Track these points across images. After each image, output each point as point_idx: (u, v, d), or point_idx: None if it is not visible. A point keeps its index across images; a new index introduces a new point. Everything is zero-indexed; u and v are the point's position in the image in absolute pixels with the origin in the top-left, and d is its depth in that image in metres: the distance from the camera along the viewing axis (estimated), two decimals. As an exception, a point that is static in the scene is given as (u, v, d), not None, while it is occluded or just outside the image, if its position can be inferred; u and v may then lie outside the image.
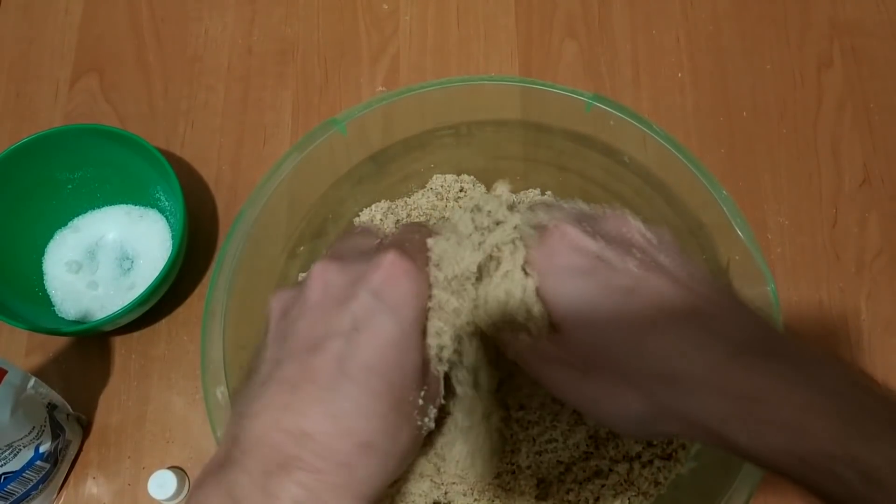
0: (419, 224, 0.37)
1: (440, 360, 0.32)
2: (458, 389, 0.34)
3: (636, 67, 0.59)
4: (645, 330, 0.29)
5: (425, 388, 0.30)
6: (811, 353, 0.28)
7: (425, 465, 0.41)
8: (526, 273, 0.32)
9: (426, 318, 0.31)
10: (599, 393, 0.31)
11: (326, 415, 0.27)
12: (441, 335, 0.32)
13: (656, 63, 0.59)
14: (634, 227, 0.32)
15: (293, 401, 0.27)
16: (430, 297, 0.32)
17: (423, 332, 0.31)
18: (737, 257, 0.41)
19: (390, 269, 0.30)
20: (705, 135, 0.57)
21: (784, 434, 0.26)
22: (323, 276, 0.30)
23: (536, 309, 0.32)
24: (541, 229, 0.32)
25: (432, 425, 0.31)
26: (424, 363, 0.31)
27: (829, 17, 0.61)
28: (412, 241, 0.33)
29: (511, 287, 0.32)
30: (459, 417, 0.37)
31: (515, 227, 0.33)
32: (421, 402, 0.30)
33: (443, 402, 0.33)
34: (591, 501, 0.42)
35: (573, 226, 0.31)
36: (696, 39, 0.60)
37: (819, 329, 0.52)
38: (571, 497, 0.42)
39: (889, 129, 0.57)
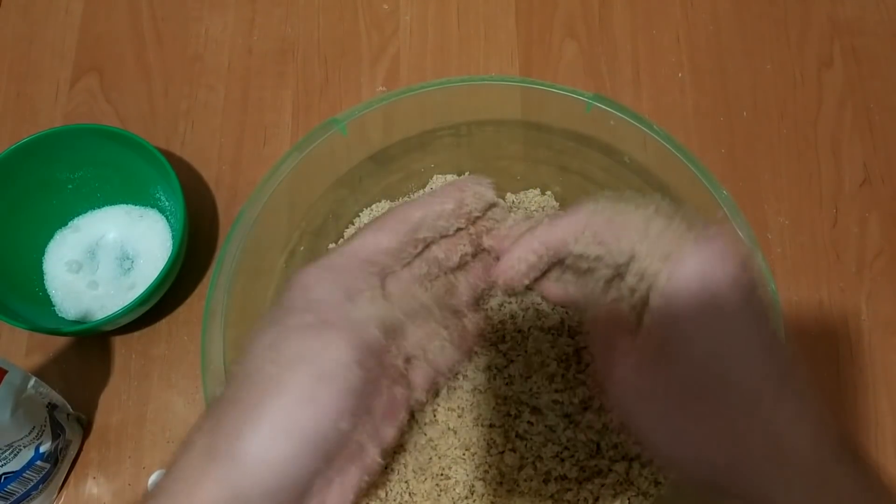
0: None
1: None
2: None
3: (636, 67, 0.59)
4: (778, 384, 0.27)
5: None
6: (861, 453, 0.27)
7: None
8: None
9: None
10: (676, 416, 0.29)
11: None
12: None
13: (656, 63, 0.59)
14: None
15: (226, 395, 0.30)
16: None
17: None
18: (737, 257, 0.41)
19: (301, 303, 0.31)
20: (705, 135, 0.57)
21: None
22: (303, 279, 0.33)
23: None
24: (701, 230, 0.30)
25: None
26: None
27: (830, 17, 0.61)
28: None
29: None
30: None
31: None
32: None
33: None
34: (590, 501, 0.42)
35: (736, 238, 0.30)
36: (696, 39, 0.60)
37: (819, 329, 0.52)
38: (570, 497, 0.42)
39: (889, 129, 0.57)
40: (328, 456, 0.29)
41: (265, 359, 0.29)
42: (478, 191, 0.36)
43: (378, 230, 0.34)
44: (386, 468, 0.42)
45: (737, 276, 0.28)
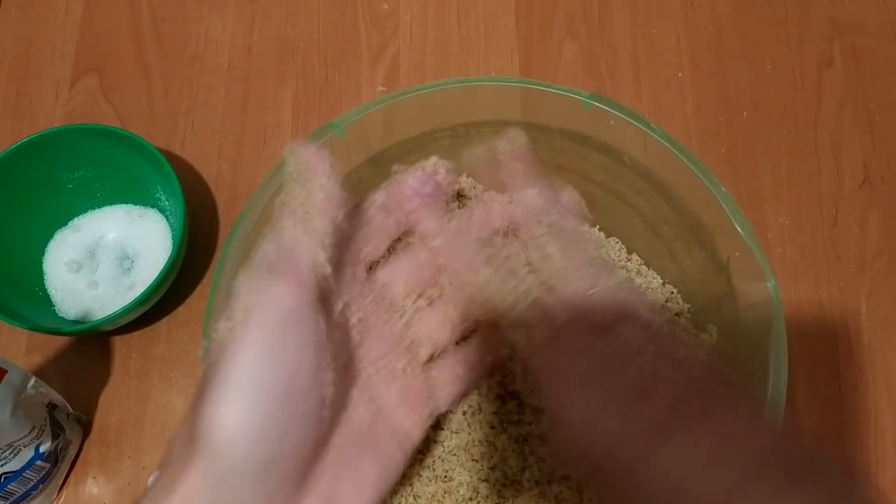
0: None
1: None
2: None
3: (636, 67, 0.59)
4: (656, 440, 0.26)
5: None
6: (827, 468, 0.25)
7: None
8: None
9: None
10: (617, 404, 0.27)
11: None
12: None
13: (656, 63, 0.59)
14: (641, 304, 0.29)
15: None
16: None
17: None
18: (737, 254, 0.41)
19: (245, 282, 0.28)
20: (705, 135, 0.57)
21: None
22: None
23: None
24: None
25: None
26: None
27: (830, 17, 0.61)
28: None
29: None
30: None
31: None
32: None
33: None
34: (594, 501, 0.42)
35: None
36: (696, 39, 0.60)
37: (819, 329, 0.52)
38: (574, 497, 0.42)
39: (889, 129, 0.57)
40: (314, 422, 0.26)
41: (223, 318, 0.26)
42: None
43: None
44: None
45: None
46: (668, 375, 0.27)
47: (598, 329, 0.28)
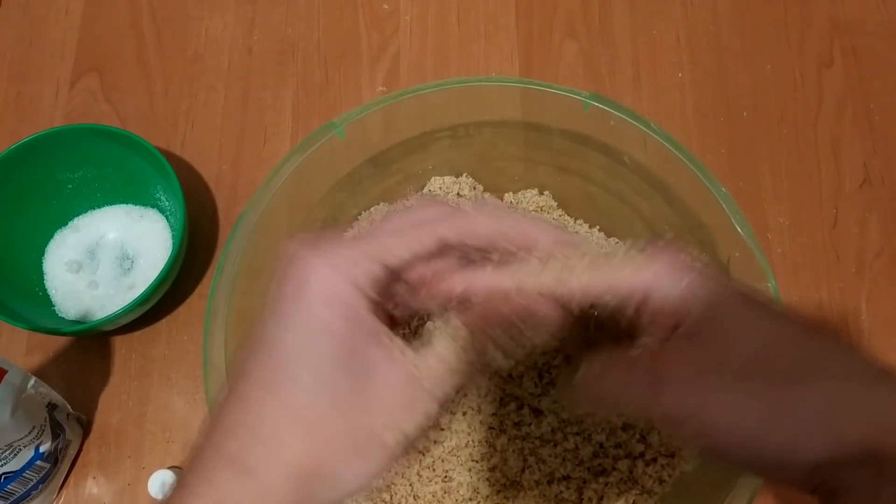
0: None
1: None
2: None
3: (636, 67, 0.59)
4: (812, 334, 0.27)
5: (355, 395, 0.26)
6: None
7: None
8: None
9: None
10: (766, 393, 0.26)
11: (212, 428, 0.27)
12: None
13: (656, 63, 0.59)
14: None
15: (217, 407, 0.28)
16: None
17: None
18: (737, 254, 0.41)
19: (285, 264, 0.27)
20: (705, 135, 0.57)
21: None
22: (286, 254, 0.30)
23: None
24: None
25: (391, 443, 0.27)
26: (365, 368, 0.27)
27: (830, 17, 0.61)
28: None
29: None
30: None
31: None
32: (334, 410, 0.26)
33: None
34: (594, 500, 0.42)
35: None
36: (696, 39, 0.60)
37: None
38: (574, 497, 0.42)
39: (889, 129, 0.57)
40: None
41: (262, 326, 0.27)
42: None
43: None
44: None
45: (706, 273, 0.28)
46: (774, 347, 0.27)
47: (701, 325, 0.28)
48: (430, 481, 0.42)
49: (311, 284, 0.26)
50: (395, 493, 0.43)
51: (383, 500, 0.43)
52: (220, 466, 0.25)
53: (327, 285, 0.26)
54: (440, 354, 0.27)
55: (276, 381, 0.26)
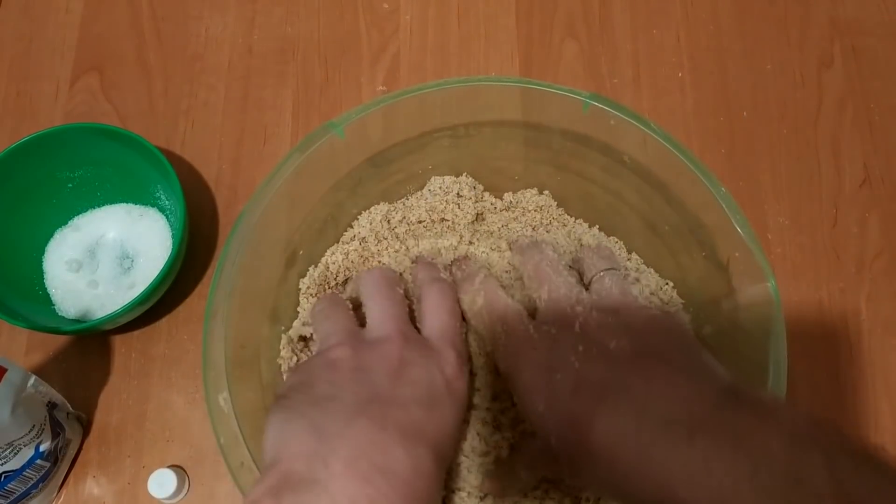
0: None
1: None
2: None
3: (636, 67, 0.59)
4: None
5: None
6: (752, 413, 0.29)
7: None
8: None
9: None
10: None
11: (405, 458, 0.30)
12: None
13: (657, 63, 0.59)
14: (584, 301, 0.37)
15: (380, 439, 0.31)
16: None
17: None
18: (736, 254, 0.41)
19: (455, 370, 0.36)
20: (705, 135, 0.57)
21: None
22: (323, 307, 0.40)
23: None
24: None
25: None
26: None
27: (830, 17, 0.61)
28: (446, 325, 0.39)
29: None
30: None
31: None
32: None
33: None
34: (592, 500, 0.42)
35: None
36: (696, 39, 0.60)
37: (819, 329, 0.52)
38: (570, 501, 0.42)
39: (889, 129, 0.57)
40: None
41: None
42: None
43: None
44: None
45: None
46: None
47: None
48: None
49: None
50: None
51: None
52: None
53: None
54: None
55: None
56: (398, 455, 0.30)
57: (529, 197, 0.50)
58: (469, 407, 0.40)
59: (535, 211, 0.50)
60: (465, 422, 0.39)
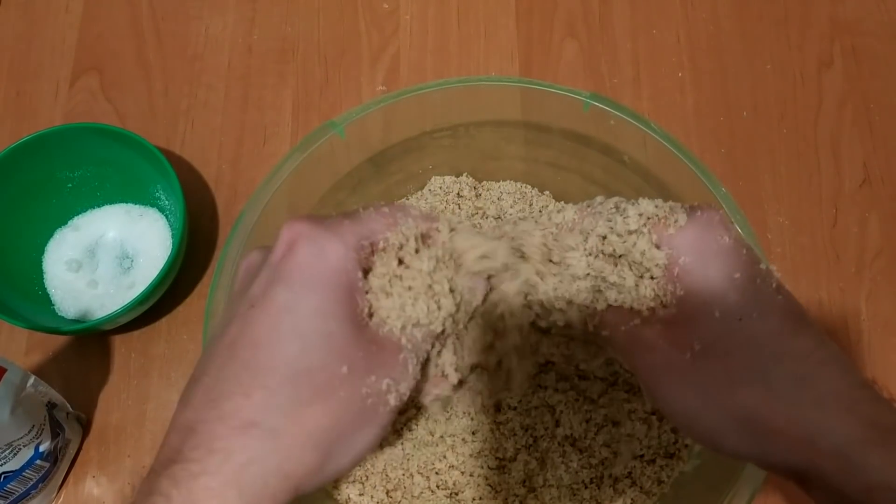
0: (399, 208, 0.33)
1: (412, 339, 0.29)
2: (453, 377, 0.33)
3: (636, 67, 0.59)
4: (788, 328, 0.28)
5: (364, 359, 0.27)
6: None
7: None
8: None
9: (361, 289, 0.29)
10: (710, 382, 0.28)
11: (207, 402, 0.26)
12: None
13: (656, 63, 0.59)
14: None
15: (188, 394, 0.26)
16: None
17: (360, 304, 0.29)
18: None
19: (288, 237, 0.28)
20: (705, 135, 0.57)
21: None
22: (245, 262, 0.31)
23: (650, 290, 0.31)
24: (691, 210, 0.31)
25: (392, 403, 0.28)
26: (365, 334, 0.28)
27: (830, 17, 0.61)
28: (351, 214, 0.30)
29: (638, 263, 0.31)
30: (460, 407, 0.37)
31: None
32: (348, 373, 0.26)
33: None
34: (593, 501, 0.42)
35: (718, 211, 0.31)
36: (696, 39, 0.60)
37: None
38: (574, 497, 0.42)
39: (889, 129, 0.57)
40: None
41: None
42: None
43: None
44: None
45: (733, 237, 0.30)
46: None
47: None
48: (429, 480, 0.42)
49: (327, 255, 0.28)
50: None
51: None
52: (235, 433, 0.25)
53: (337, 255, 0.28)
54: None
55: (290, 344, 0.26)
56: None
57: (529, 196, 0.50)
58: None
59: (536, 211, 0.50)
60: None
